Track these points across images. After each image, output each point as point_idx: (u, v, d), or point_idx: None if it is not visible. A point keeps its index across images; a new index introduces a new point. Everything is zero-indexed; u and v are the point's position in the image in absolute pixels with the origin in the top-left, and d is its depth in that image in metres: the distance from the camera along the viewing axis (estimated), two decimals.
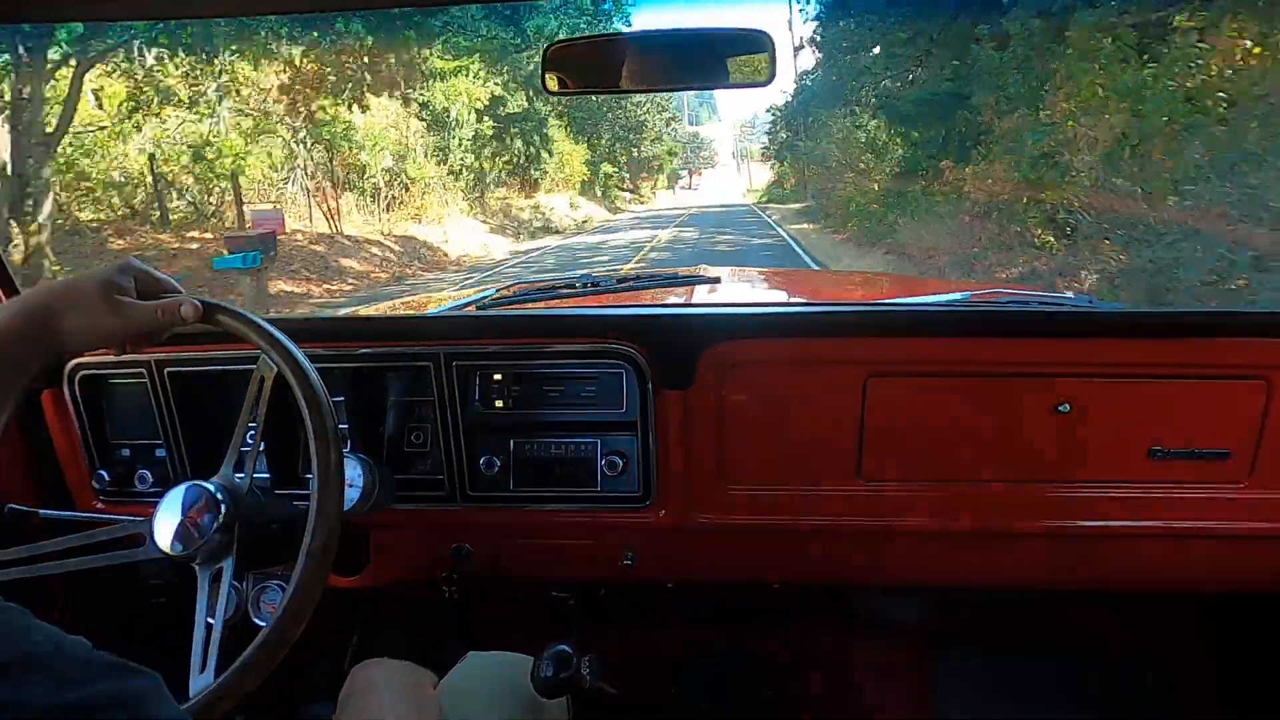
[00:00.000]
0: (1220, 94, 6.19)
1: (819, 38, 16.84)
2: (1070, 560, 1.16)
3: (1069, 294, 1.42)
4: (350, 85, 13.15)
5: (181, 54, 10.83)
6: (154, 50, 10.26)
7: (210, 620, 0.79)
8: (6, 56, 8.18)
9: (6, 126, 8.33)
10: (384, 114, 14.95)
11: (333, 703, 0.86)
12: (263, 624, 0.89)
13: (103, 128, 10.58)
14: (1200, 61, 6.47)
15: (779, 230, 17.73)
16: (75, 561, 0.85)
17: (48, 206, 8.46)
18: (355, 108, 13.58)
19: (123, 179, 11.01)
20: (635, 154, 37.05)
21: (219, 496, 0.82)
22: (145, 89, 10.60)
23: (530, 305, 1.44)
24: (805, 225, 18.31)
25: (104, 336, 0.73)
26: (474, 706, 0.90)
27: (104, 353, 1.13)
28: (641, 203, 37.67)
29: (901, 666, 1.51)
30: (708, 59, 0.92)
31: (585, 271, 1.61)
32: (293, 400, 0.81)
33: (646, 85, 0.94)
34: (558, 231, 21.00)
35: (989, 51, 9.87)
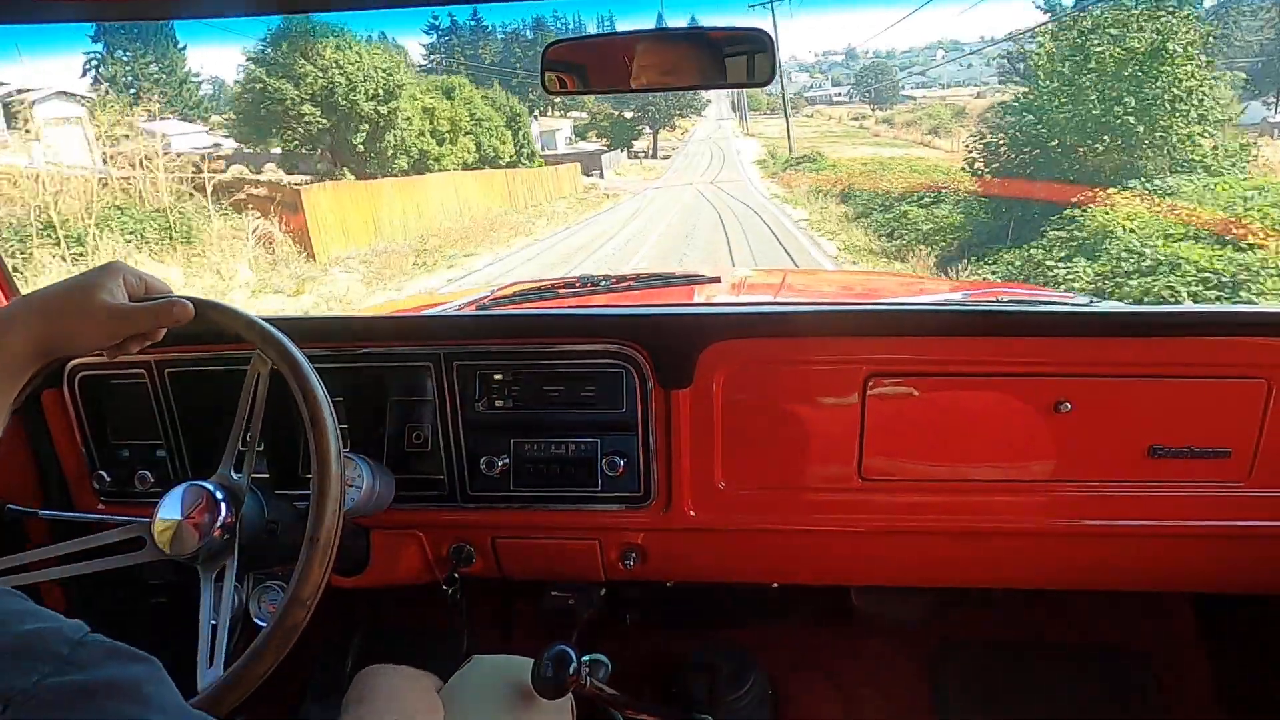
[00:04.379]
0: None
1: None
2: (1070, 559, 1.16)
3: (1068, 293, 1.42)
4: None
5: None
6: None
7: (214, 621, 0.79)
8: None
9: None
10: None
11: (334, 703, 0.86)
12: (263, 624, 0.89)
13: None
14: None
15: None
16: (77, 567, 0.85)
17: None
18: None
19: None
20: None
21: (219, 496, 0.82)
22: None
23: (530, 305, 1.44)
24: None
25: (98, 340, 0.73)
26: (477, 709, 0.90)
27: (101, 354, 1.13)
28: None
29: (901, 666, 1.51)
30: (708, 58, 0.92)
31: (585, 272, 1.61)
32: (290, 395, 0.81)
33: (647, 85, 0.94)
34: None
35: None
